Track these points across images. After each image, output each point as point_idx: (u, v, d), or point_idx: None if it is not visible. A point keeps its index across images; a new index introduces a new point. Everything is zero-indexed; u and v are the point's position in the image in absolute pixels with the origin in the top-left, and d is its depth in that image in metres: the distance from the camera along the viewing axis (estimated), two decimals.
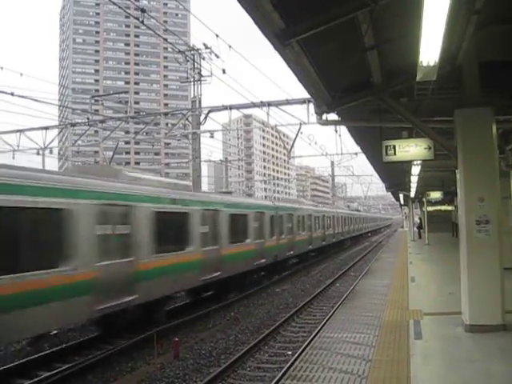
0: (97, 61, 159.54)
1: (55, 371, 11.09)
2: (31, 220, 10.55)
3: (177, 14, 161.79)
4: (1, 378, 10.76)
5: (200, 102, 28.36)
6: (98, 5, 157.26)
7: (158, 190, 15.29)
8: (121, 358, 12.16)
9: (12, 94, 22.79)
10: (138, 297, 13.11)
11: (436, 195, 36.83)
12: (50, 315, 10.43)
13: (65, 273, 10.77)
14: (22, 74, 27.42)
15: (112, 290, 12.12)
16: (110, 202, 12.59)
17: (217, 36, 18.78)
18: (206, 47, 26.92)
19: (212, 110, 26.22)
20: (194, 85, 29.09)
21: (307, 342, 12.04)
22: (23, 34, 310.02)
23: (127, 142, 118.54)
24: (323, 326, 12.81)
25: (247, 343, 13.28)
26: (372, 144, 16.95)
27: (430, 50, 6.70)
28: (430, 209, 42.64)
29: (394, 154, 11.96)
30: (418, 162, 15.96)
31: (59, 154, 51.86)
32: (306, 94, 14.95)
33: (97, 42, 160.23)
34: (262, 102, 23.17)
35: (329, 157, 46.14)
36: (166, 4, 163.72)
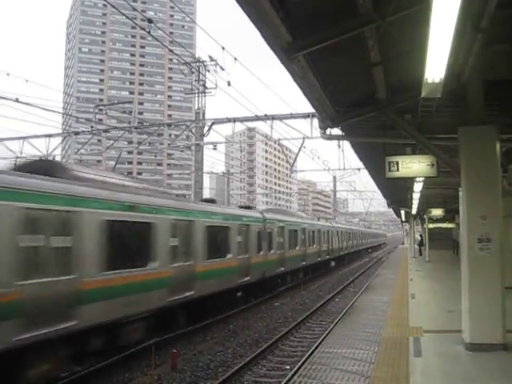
0: (102, 70, 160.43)
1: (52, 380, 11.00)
2: None
3: (183, 26, 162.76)
4: None
5: (204, 113, 28.43)
6: (104, 15, 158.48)
7: (111, 193, 12.69)
8: (119, 368, 12.07)
9: (17, 100, 22.84)
10: (79, 322, 10.70)
11: (438, 212, 36.80)
12: None
13: None
14: (27, 81, 27.52)
15: (42, 314, 9.87)
16: (40, 206, 10.14)
17: (223, 48, 18.84)
18: (212, 59, 27.07)
19: (216, 121, 26.25)
20: (198, 96, 29.21)
21: (306, 356, 11.98)
22: (30, 41, 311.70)
23: (130, 152, 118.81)
24: (322, 341, 12.75)
25: (245, 356, 13.20)
26: (375, 160, 16.96)
27: (435, 66, 6.72)
28: (431, 226, 42.55)
29: (397, 170, 11.97)
30: (421, 178, 15.97)
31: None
32: (310, 109, 14.96)
33: (102, 51, 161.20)
34: (266, 116, 23.20)
35: (331, 172, 46.13)
36: (172, 16, 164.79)
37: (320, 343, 12.52)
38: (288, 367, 12.23)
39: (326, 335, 13.70)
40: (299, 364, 11.37)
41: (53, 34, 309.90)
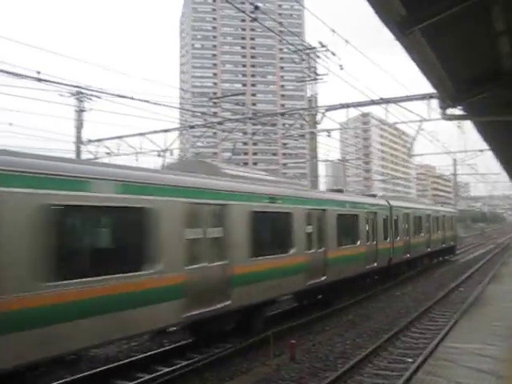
0: (215, 64, 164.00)
1: (174, 367, 11.29)
2: None
3: (291, 15, 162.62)
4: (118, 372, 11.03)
5: (316, 100, 28.10)
6: (214, 10, 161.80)
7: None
8: (236, 358, 12.15)
9: (132, 98, 23.54)
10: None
11: None
12: None
13: None
14: (146, 80, 28.47)
15: None
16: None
17: (333, 31, 18.34)
18: (322, 45, 26.57)
19: (329, 108, 25.80)
20: (310, 84, 28.92)
21: (429, 351, 11.38)
22: (146, 41, 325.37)
23: (245, 143, 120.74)
24: (446, 334, 12.08)
25: (365, 348, 12.81)
26: (502, 139, 15.80)
27: None
28: None
29: None
30: None
31: (179, 155, 53.61)
32: (426, 89, 14.15)
33: (214, 46, 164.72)
34: (381, 99, 22.43)
35: (451, 155, 44.03)
36: (280, 5, 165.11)
37: (444, 336, 11.85)
38: (410, 360, 11.72)
39: (451, 328, 12.97)
40: (422, 358, 10.83)
41: (167, 34, 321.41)
